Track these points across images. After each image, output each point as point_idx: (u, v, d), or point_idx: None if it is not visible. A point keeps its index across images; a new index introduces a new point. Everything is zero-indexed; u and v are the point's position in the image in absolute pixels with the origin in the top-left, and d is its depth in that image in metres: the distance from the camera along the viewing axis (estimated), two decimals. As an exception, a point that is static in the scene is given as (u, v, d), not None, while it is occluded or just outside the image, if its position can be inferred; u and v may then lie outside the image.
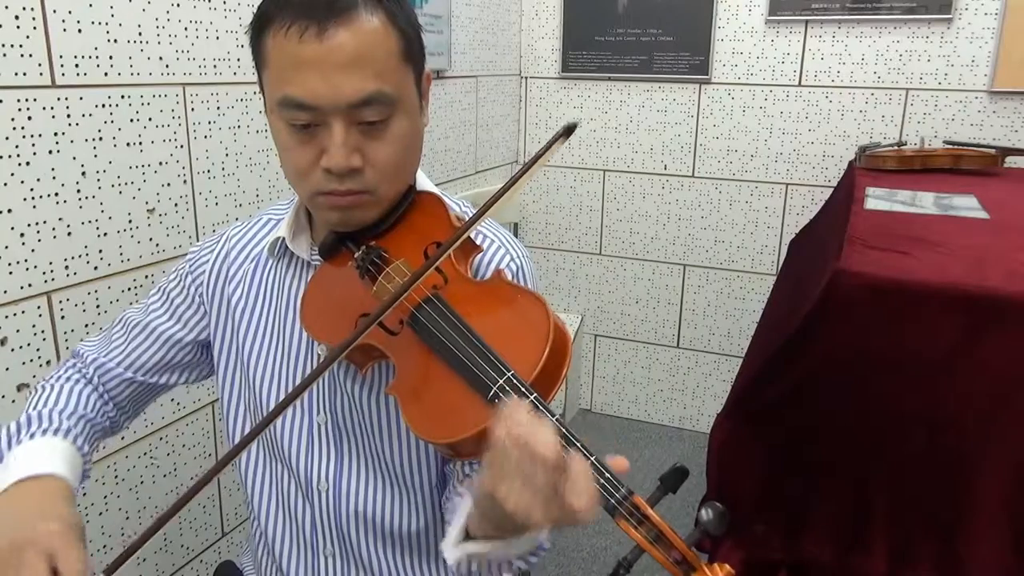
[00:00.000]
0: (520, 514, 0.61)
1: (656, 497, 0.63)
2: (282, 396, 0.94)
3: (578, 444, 0.64)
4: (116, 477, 1.40)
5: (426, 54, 0.88)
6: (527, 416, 0.62)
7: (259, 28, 0.81)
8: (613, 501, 0.62)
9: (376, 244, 0.86)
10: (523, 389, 0.66)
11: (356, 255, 0.85)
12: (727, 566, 0.60)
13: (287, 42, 0.77)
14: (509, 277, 0.87)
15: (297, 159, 0.82)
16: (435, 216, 0.87)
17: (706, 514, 0.62)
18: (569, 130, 0.70)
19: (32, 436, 0.87)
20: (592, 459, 0.63)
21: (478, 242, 0.88)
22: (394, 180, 0.85)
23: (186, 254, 1.03)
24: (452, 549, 0.72)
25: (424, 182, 0.94)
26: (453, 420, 0.68)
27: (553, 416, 0.65)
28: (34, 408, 0.94)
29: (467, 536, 0.73)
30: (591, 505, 0.60)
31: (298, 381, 0.94)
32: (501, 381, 0.66)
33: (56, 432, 0.89)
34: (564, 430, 0.64)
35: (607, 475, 0.63)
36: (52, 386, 0.98)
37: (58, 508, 0.78)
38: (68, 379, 0.99)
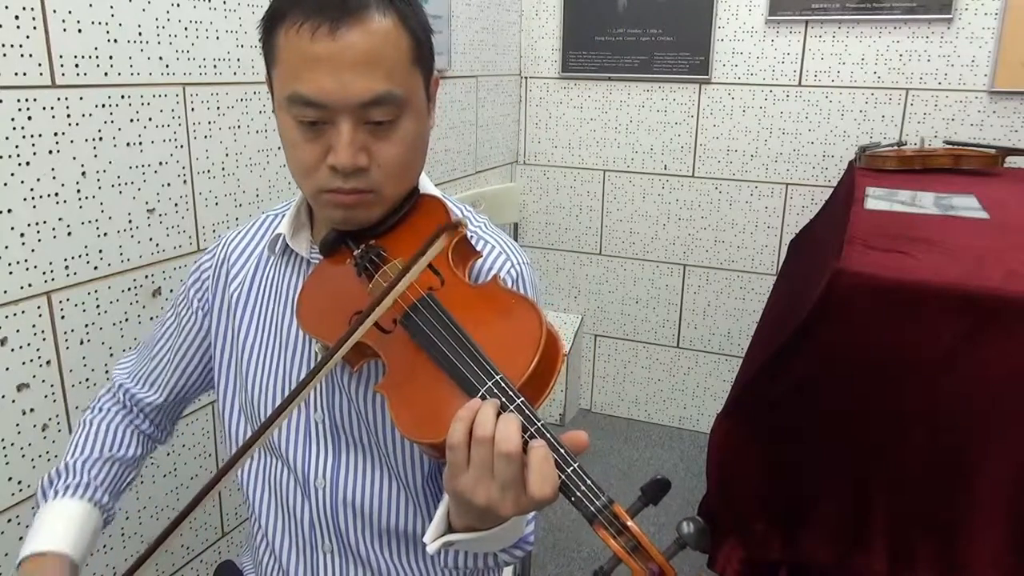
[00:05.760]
0: (492, 506, 0.65)
1: (636, 508, 0.63)
2: (275, 392, 0.95)
3: (562, 451, 0.64)
4: (116, 477, 1.40)
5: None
6: (491, 414, 0.65)
7: (271, 25, 0.81)
8: (593, 509, 0.62)
9: (376, 243, 0.86)
10: (511, 392, 0.66)
11: (355, 253, 0.85)
12: None
13: (299, 39, 0.77)
14: (510, 284, 0.88)
15: (303, 156, 0.82)
16: (436, 218, 0.87)
17: (687, 527, 0.62)
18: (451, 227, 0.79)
19: (56, 494, 0.94)
20: (575, 466, 0.64)
21: (478, 248, 0.89)
22: (399, 180, 0.86)
23: (194, 262, 1.06)
24: (432, 541, 0.74)
25: (427, 185, 0.94)
26: (440, 420, 0.68)
27: (538, 421, 0.65)
28: (71, 456, 0.99)
29: (449, 528, 0.74)
30: (554, 491, 0.63)
31: (292, 378, 0.94)
32: (489, 383, 0.67)
33: (76, 490, 0.94)
34: (549, 436, 0.65)
35: (588, 482, 0.63)
36: (90, 422, 1.03)
37: None
38: (105, 411, 1.05)
